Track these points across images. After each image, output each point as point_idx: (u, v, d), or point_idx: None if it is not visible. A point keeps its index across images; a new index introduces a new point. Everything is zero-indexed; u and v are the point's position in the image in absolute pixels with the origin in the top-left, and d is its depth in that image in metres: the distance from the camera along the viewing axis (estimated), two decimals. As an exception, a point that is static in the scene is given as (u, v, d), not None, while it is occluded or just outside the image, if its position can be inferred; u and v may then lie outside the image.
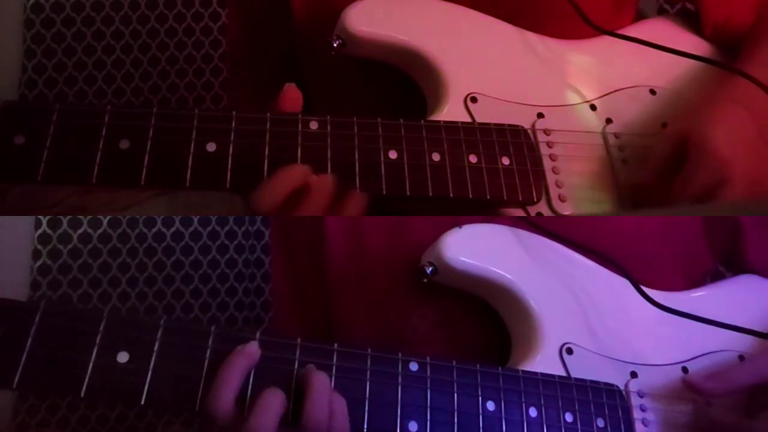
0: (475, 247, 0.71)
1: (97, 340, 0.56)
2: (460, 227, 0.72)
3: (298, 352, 0.61)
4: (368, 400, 0.61)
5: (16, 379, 0.53)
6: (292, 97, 0.71)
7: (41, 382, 0.54)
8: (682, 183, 0.72)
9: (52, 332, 0.55)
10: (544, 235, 0.75)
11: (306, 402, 0.57)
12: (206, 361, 0.58)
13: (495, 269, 0.71)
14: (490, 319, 0.74)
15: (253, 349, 0.59)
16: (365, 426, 0.60)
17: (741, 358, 0.78)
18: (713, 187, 0.71)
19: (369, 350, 0.63)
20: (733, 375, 0.72)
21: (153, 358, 0.57)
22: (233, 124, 0.68)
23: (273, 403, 0.57)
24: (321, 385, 0.59)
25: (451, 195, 0.72)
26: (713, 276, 0.86)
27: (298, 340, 0.61)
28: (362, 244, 0.79)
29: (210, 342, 0.59)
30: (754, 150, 0.73)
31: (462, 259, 0.70)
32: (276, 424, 0.56)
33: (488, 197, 0.73)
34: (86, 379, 0.55)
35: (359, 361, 0.62)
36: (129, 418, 1.53)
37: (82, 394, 0.54)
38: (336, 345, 0.62)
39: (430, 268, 0.70)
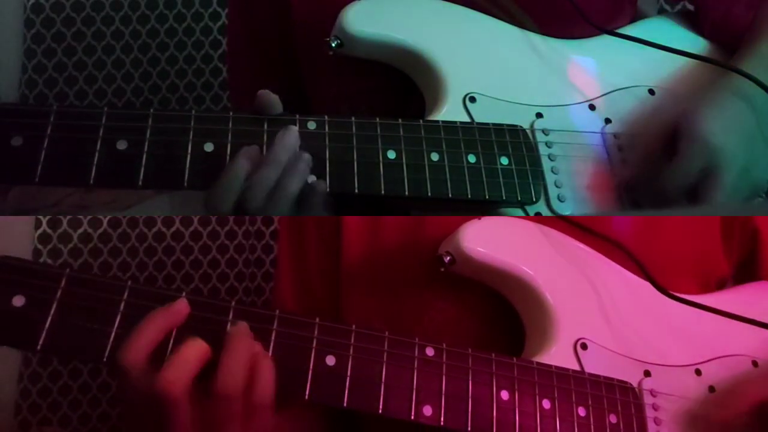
0: (493, 238, 0.71)
1: (121, 308, 0.56)
2: (480, 218, 0.72)
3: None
4: (384, 383, 0.61)
5: (41, 343, 0.54)
6: (267, 102, 0.70)
7: (65, 347, 0.55)
8: (673, 170, 0.71)
9: (77, 299, 0.55)
10: (568, 229, 0.75)
11: (221, 360, 0.55)
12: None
13: (512, 261, 0.71)
14: (505, 312, 0.74)
15: (178, 307, 0.57)
16: (380, 408, 0.61)
17: (755, 363, 0.77)
18: (704, 175, 0.71)
19: (386, 333, 0.63)
20: (750, 392, 0.72)
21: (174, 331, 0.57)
22: (230, 125, 0.68)
23: (190, 354, 0.55)
24: (242, 343, 0.56)
25: (450, 195, 0.72)
26: (722, 286, 0.86)
27: (317, 319, 0.61)
28: (379, 241, 0.79)
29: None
30: (747, 137, 0.73)
31: (480, 249, 0.70)
32: (191, 376, 0.54)
33: (487, 197, 0.73)
34: (108, 348, 0.55)
35: (376, 342, 0.63)
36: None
37: (105, 360, 0.55)
38: (354, 326, 0.62)
39: (448, 258, 0.70)
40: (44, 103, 1.62)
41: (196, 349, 0.55)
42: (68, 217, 1.48)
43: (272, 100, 0.70)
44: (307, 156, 0.68)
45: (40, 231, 1.48)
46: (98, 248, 1.50)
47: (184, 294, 0.58)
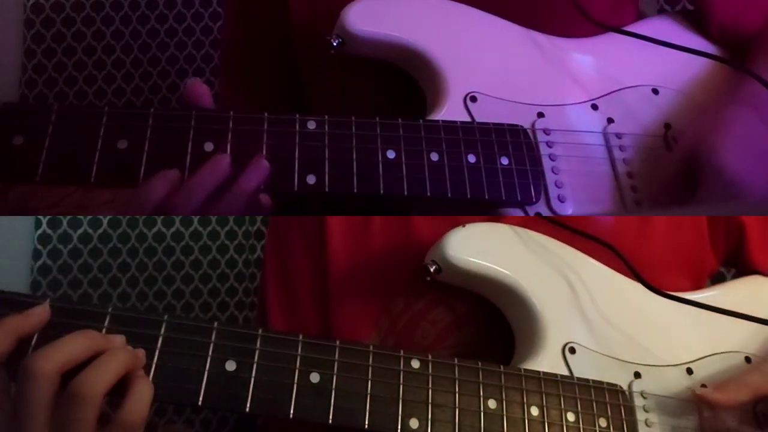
0: (478, 246, 0.71)
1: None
2: (464, 226, 0.71)
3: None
4: (369, 397, 0.61)
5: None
6: (198, 91, 0.70)
7: None
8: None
9: (57, 329, 0.54)
10: (559, 231, 0.74)
11: (85, 368, 0.52)
12: None
13: (498, 268, 0.71)
14: (495, 318, 0.74)
15: (34, 312, 0.54)
16: (366, 423, 0.60)
17: (747, 360, 0.77)
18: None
19: (371, 347, 0.63)
20: (743, 383, 0.72)
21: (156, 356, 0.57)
22: (231, 125, 0.68)
23: (71, 342, 0.53)
24: (114, 355, 0.54)
25: (450, 195, 0.71)
26: (715, 278, 0.86)
27: (300, 336, 0.61)
28: (366, 245, 0.78)
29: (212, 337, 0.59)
30: (765, 159, 0.72)
31: (466, 257, 0.70)
32: (62, 362, 0.51)
33: (487, 197, 0.73)
34: None
35: (361, 357, 0.62)
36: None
37: None
38: (338, 341, 0.62)
39: (434, 267, 0.70)
40: (44, 103, 1.62)
41: (77, 341, 0.53)
42: (68, 217, 1.48)
43: (205, 89, 0.70)
44: (263, 165, 0.67)
45: (40, 231, 1.48)
46: (98, 248, 1.50)
47: (48, 300, 0.56)
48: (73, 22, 1.67)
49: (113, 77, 1.67)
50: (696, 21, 0.92)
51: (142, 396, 0.54)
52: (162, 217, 1.54)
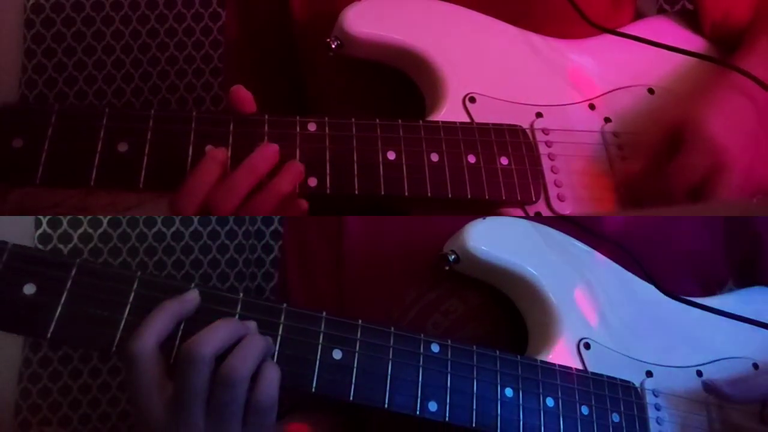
0: (497, 238, 0.72)
1: (130, 299, 0.57)
2: (484, 218, 0.72)
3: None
4: (390, 377, 0.62)
5: (50, 331, 0.54)
6: (241, 97, 0.70)
7: (74, 336, 0.56)
8: (677, 169, 0.71)
9: (87, 289, 0.56)
10: (569, 230, 0.75)
11: (231, 353, 0.56)
12: None
13: (516, 260, 0.72)
14: (507, 313, 0.75)
15: (189, 297, 0.58)
16: (386, 402, 0.61)
17: (755, 366, 0.78)
18: (709, 174, 0.70)
19: (392, 328, 0.64)
20: (753, 383, 0.73)
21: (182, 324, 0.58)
22: (231, 127, 0.68)
23: (220, 328, 0.56)
24: (254, 341, 0.57)
25: (450, 195, 0.72)
26: (723, 288, 0.86)
27: (324, 313, 0.62)
28: (381, 242, 0.79)
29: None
30: (751, 135, 0.73)
31: (484, 248, 0.71)
32: (215, 350, 0.55)
33: (487, 197, 0.73)
34: (117, 338, 0.56)
35: (382, 338, 0.63)
36: (131, 415, 1.53)
37: (114, 350, 0.56)
38: (360, 321, 0.63)
39: (453, 257, 0.71)
40: (44, 103, 1.62)
41: (225, 327, 0.57)
42: (68, 217, 1.48)
43: (247, 95, 0.70)
44: (296, 167, 0.68)
45: (40, 231, 1.48)
46: (98, 248, 1.50)
47: (194, 285, 0.59)
48: (73, 22, 1.67)
49: (113, 77, 1.67)
50: (693, 21, 0.92)
51: (272, 378, 0.57)
52: (162, 216, 1.54)
